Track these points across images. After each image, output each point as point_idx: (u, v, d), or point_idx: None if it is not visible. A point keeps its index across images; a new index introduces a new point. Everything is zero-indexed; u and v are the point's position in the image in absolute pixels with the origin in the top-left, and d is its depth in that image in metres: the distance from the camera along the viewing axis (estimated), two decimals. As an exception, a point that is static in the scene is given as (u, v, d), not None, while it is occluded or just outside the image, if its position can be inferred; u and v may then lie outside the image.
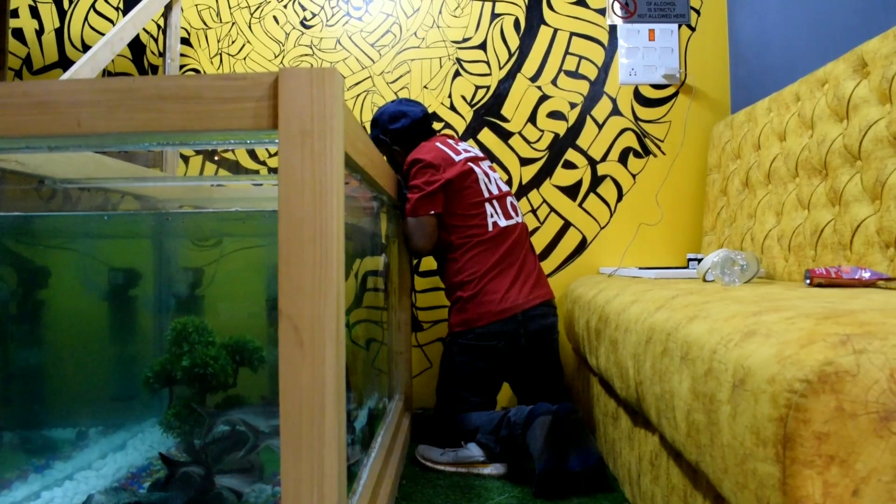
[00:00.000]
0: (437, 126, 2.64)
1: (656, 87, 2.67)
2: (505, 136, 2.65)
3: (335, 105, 0.86)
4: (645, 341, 1.25)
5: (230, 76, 0.89)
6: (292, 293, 0.85)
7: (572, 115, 2.66)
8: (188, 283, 1.84)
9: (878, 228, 1.49)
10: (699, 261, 2.09)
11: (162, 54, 2.62)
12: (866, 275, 1.36)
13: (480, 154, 2.20)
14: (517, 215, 2.12)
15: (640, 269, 2.23)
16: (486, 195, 2.06)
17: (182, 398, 1.44)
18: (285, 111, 0.86)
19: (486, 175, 2.10)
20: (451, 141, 2.17)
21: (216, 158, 2.73)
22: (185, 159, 2.71)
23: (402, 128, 2.16)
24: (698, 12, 2.68)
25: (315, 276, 0.85)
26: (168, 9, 2.48)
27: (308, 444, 0.85)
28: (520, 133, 2.65)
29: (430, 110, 2.66)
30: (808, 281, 1.42)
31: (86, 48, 2.75)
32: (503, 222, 2.05)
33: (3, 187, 1.49)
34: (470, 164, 2.07)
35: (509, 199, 2.14)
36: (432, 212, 1.99)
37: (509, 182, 2.62)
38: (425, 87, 2.68)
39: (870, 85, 1.59)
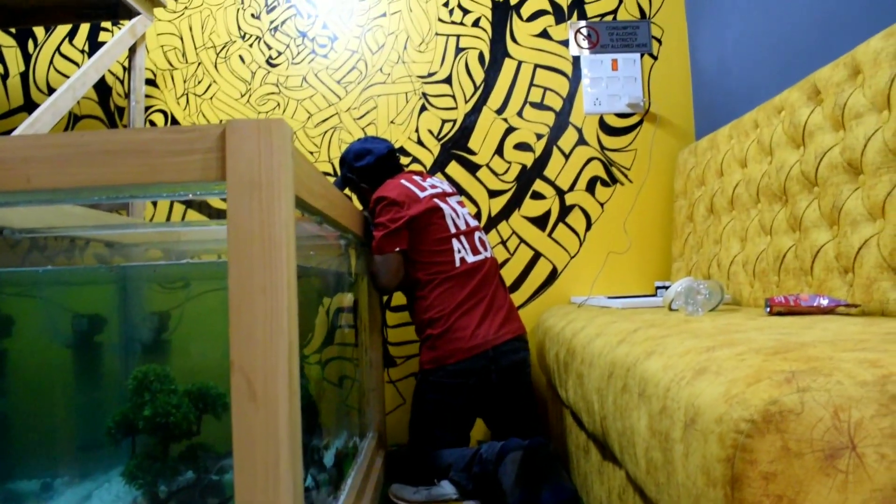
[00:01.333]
0: (404, 161, 2.65)
1: (621, 115, 2.70)
2: (472, 168, 2.66)
3: (283, 156, 0.87)
4: (607, 376, 1.25)
5: (179, 129, 0.89)
6: (243, 344, 0.85)
7: (539, 146, 2.68)
8: (152, 329, 1.82)
9: (836, 254, 1.51)
10: (667, 288, 2.11)
11: (127, 95, 2.62)
12: (824, 302, 1.37)
13: (449, 189, 2.20)
14: (486, 250, 2.12)
15: (610, 297, 2.24)
16: (453, 230, 2.06)
17: (145, 447, 1.42)
18: (233, 163, 0.86)
19: (454, 210, 2.10)
20: (417, 177, 2.17)
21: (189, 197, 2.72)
22: (154, 202, 2.70)
23: (367, 165, 2.17)
24: (660, 41, 2.73)
25: (266, 327, 0.85)
26: (132, 51, 2.48)
27: (263, 496, 0.84)
28: (487, 165, 2.67)
29: (397, 145, 2.67)
30: (767, 309, 1.44)
31: (51, 91, 2.74)
32: (471, 258, 2.05)
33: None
34: (436, 200, 2.07)
35: (478, 234, 2.14)
36: (397, 249, 1.98)
37: (478, 215, 2.63)
38: (392, 122, 2.69)
39: (823, 112, 1.62)
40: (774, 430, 0.70)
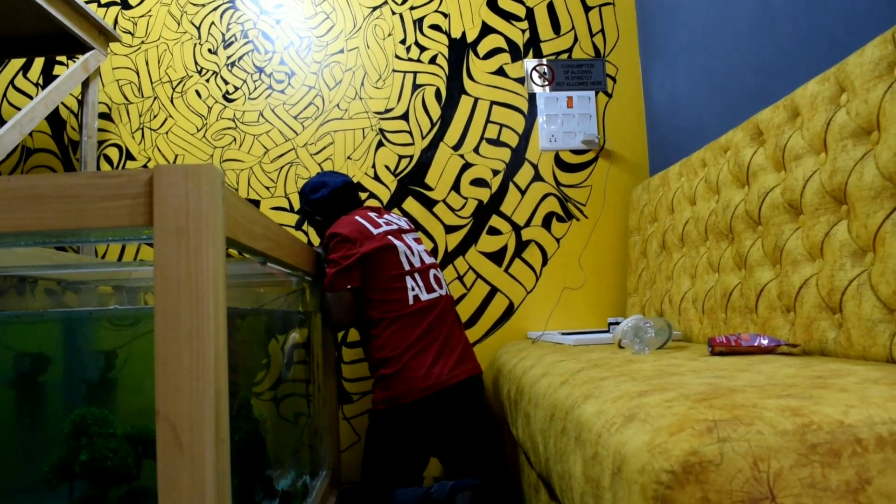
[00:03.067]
0: (362, 195, 2.65)
1: (576, 152, 2.74)
2: (429, 204, 2.67)
3: (212, 200, 0.86)
4: (549, 417, 1.25)
5: (106, 174, 0.88)
6: (169, 393, 0.83)
7: (495, 182, 2.70)
8: (96, 370, 1.78)
9: (778, 293, 1.53)
10: (618, 324, 2.12)
11: (80, 129, 2.59)
12: (765, 342, 1.39)
13: (406, 226, 2.19)
14: (441, 288, 2.11)
15: (564, 333, 2.25)
16: (407, 268, 2.05)
17: (83, 493, 1.39)
18: (160, 209, 0.85)
19: (409, 248, 2.09)
20: (373, 213, 2.16)
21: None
22: (106, 235, 2.65)
23: (321, 198, 2.17)
24: (614, 80, 2.77)
25: (193, 376, 0.84)
26: (85, 86, 2.46)
27: (190, 548, 0.82)
28: (444, 201, 2.68)
29: (354, 180, 2.67)
30: (710, 349, 1.45)
31: (3, 124, 2.70)
32: (425, 296, 2.04)
33: None
34: (390, 237, 2.06)
35: (433, 271, 2.13)
36: (349, 286, 1.97)
37: (434, 250, 2.63)
38: (349, 157, 2.69)
39: (766, 153, 1.65)
40: (694, 482, 0.70)
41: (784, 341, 1.40)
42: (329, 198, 2.18)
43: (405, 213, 2.66)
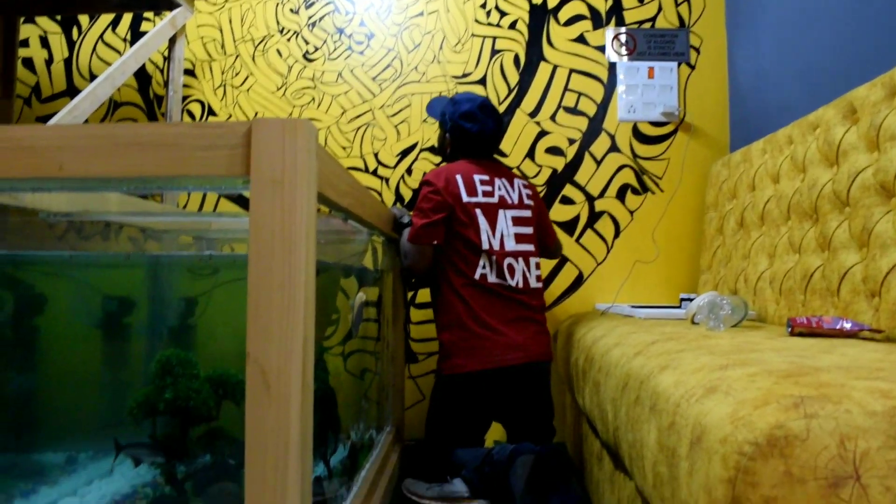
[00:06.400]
0: (435, 160, 2.66)
1: (655, 124, 2.69)
2: (503, 170, 2.66)
3: (307, 154, 0.88)
4: (622, 387, 1.25)
5: (206, 125, 0.91)
6: (260, 337, 0.87)
7: (570, 151, 2.68)
8: (179, 315, 1.85)
9: (863, 277, 1.49)
10: (691, 300, 2.09)
11: (166, 85, 2.66)
12: (847, 325, 1.36)
13: (514, 200, 2.09)
14: (512, 278, 2.00)
15: (633, 306, 2.23)
16: (486, 247, 1.99)
17: (165, 429, 1.46)
18: (257, 160, 0.88)
19: (492, 227, 2.01)
20: (482, 176, 2.06)
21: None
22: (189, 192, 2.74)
23: (462, 128, 2.11)
24: (698, 51, 2.70)
25: (283, 322, 0.86)
26: (172, 42, 2.52)
27: (272, 485, 0.85)
28: (518, 168, 2.67)
29: (427, 144, 2.68)
30: (789, 329, 1.42)
31: (93, 78, 2.80)
32: (492, 278, 1.99)
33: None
34: (478, 210, 2.00)
35: (509, 259, 2.01)
36: (434, 242, 1.97)
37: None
38: (425, 121, 2.70)
39: (858, 132, 1.60)
40: (778, 455, 0.69)
41: (867, 326, 1.37)
42: (467, 133, 2.12)
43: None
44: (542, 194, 2.65)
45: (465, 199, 2.01)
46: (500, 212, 2.05)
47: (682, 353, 1.14)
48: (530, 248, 2.08)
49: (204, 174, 0.92)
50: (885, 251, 1.42)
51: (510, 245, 2.03)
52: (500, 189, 2.07)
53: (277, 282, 0.87)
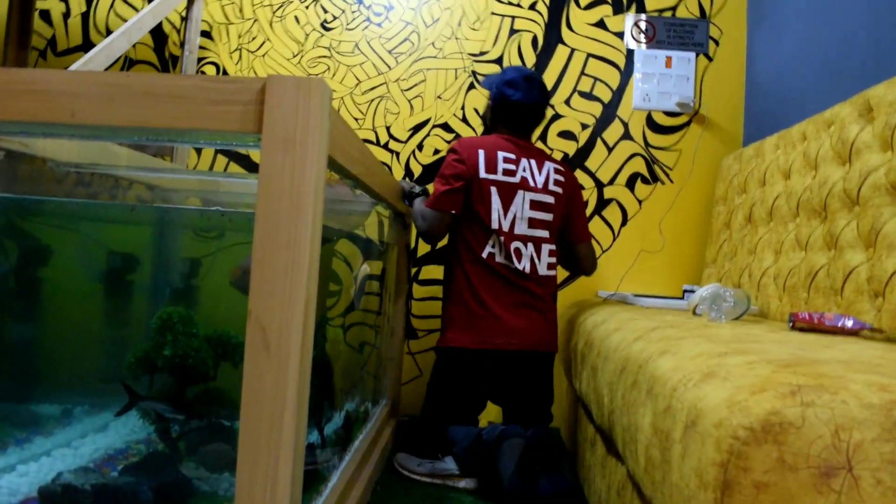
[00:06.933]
0: (447, 136, 2.65)
1: (669, 114, 2.67)
2: (514, 151, 2.66)
3: (320, 115, 0.88)
4: (620, 371, 1.26)
5: (220, 79, 0.91)
6: (263, 296, 0.87)
7: (583, 136, 2.67)
8: (183, 274, 1.86)
9: (868, 277, 1.49)
10: (694, 292, 2.09)
11: (182, 45, 2.65)
12: (849, 323, 1.36)
13: (538, 184, 2.05)
14: (519, 262, 2.00)
15: (636, 295, 2.22)
16: (495, 227, 1.98)
17: (162, 387, 1.47)
18: (270, 117, 0.88)
19: (504, 209, 1.99)
20: (508, 154, 2.04)
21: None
22: (198, 150, 2.74)
23: (503, 95, 2.09)
24: (717, 42, 2.68)
25: (286, 282, 0.87)
26: (191, 2, 2.51)
27: (266, 444, 0.86)
28: (529, 150, 2.66)
29: (441, 120, 2.68)
30: (791, 324, 1.42)
31: (110, 34, 2.79)
32: (499, 258, 1.99)
33: (8, 166, 1.52)
34: (493, 188, 1.99)
35: (516, 243, 2.00)
36: (452, 211, 1.97)
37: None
38: (439, 97, 2.69)
39: (874, 131, 1.58)
40: (772, 441, 0.69)
41: (869, 325, 1.36)
42: (508, 104, 2.09)
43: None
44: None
45: (483, 174, 1.99)
46: (519, 192, 2.02)
47: (682, 339, 1.14)
48: (544, 234, 2.06)
49: (216, 129, 0.92)
50: (891, 252, 1.42)
51: (520, 228, 2.01)
52: (524, 170, 2.04)
53: (283, 240, 0.87)
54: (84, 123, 0.94)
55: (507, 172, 2.01)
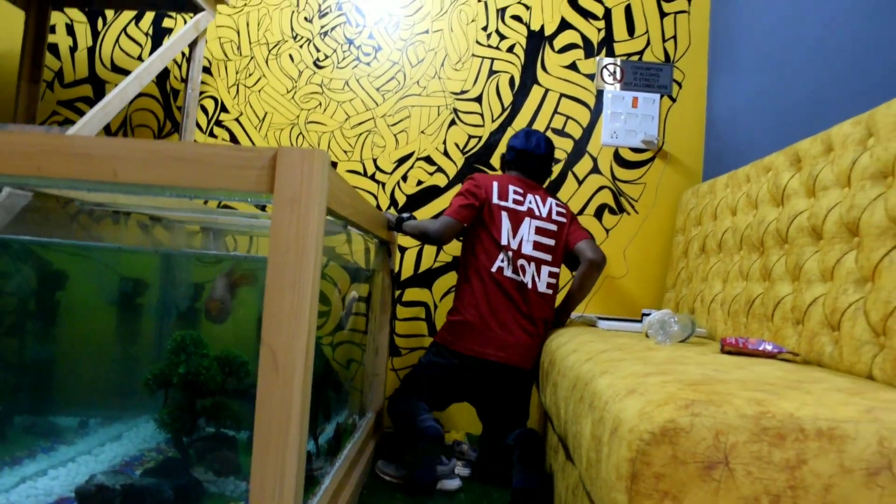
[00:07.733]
0: (429, 168, 2.87)
1: (635, 150, 2.91)
2: (491, 183, 2.88)
3: (321, 178, 1.09)
4: (572, 387, 1.47)
5: (240, 148, 1.12)
6: (273, 327, 1.07)
7: (555, 170, 2.89)
8: (190, 299, 2.06)
9: (792, 306, 1.71)
10: (649, 316, 2.31)
11: (184, 81, 2.86)
12: (769, 347, 1.58)
13: (542, 213, 2.36)
14: (524, 276, 2.27)
15: (599, 317, 2.45)
16: (504, 243, 2.27)
17: (175, 400, 1.67)
18: (280, 181, 1.09)
19: (514, 230, 2.30)
20: (517, 188, 2.36)
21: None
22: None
23: (511, 145, 2.48)
24: (680, 85, 2.92)
25: (291, 315, 1.07)
26: (193, 43, 2.72)
27: (274, 450, 1.06)
28: (505, 182, 2.88)
29: (424, 154, 2.90)
30: (721, 348, 1.64)
31: (114, 68, 3.00)
32: (508, 272, 2.26)
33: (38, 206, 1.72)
34: (504, 213, 2.30)
35: (521, 261, 2.28)
36: (465, 224, 2.27)
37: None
38: (422, 132, 2.91)
39: (800, 179, 1.81)
40: (668, 442, 0.91)
41: (786, 349, 1.58)
42: (514, 151, 2.47)
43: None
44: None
45: (495, 200, 2.31)
46: (526, 219, 2.33)
47: (622, 361, 1.36)
48: (547, 257, 2.35)
49: (235, 189, 1.12)
50: (810, 286, 1.64)
51: (527, 249, 2.31)
52: (530, 202, 2.36)
53: (289, 281, 1.07)
54: (124, 182, 1.14)
55: (516, 202, 2.34)
